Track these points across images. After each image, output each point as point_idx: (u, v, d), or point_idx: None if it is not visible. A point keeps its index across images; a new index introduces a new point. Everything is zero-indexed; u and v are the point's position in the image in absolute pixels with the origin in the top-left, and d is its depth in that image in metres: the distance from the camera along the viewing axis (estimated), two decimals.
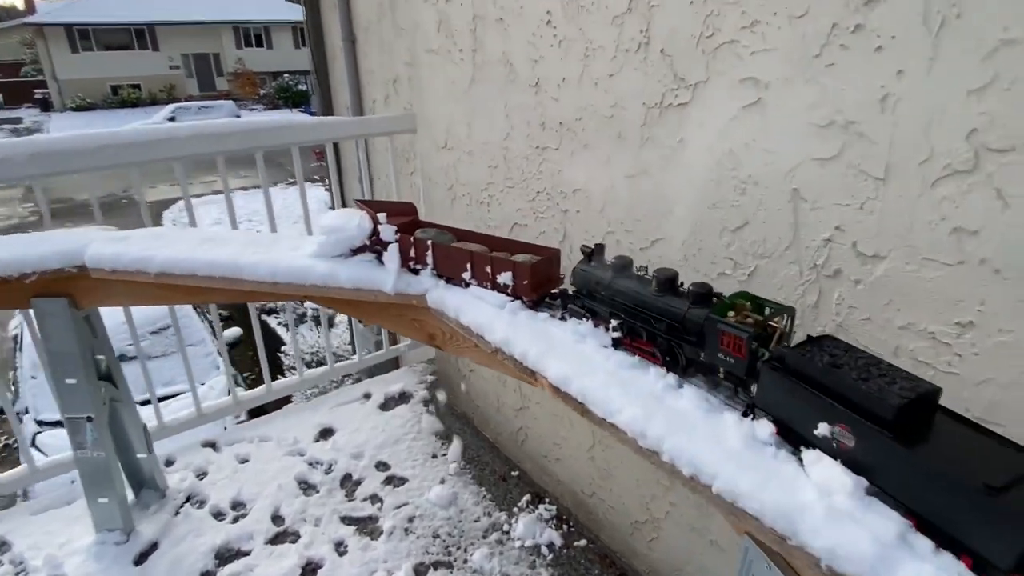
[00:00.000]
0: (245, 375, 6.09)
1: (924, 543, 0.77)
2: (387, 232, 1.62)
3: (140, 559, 2.12)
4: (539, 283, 1.43)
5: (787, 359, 0.94)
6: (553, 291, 1.48)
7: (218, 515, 2.35)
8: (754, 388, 1.03)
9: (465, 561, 2.17)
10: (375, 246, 1.67)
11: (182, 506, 2.38)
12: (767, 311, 1.06)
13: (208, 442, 2.74)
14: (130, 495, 2.34)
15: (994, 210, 1.03)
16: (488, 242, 1.60)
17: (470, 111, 2.28)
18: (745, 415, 1.02)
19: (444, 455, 2.68)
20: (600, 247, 1.32)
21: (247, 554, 2.19)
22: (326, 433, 2.80)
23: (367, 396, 3.04)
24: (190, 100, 25.86)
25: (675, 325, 1.12)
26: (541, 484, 2.56)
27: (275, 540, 2.25)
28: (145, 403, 2.43)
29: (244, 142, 2.40)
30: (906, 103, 1.10)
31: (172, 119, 17.96)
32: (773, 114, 1.31)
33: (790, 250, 1.34)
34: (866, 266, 1.22)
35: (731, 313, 1.04)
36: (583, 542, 2.27)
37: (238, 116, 19.09)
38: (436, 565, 2.15)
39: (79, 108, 26.51)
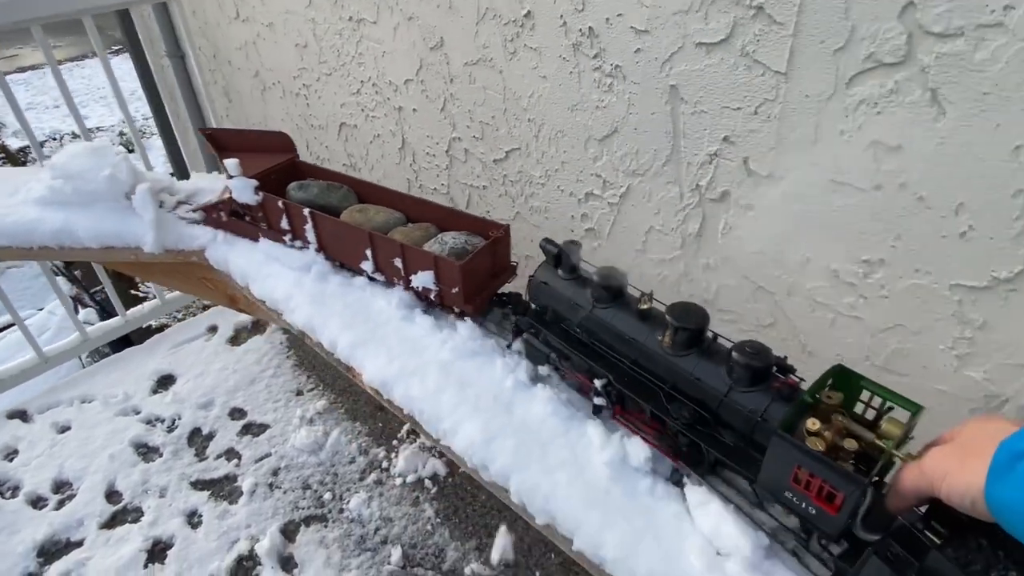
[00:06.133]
0: (95, 290, 5.19)
1: None
2: (242, 190, 1.11)
3: None
4: (478, 286, 1.00)
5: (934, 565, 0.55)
6: (502, 292, 1.05)
7: (37, 502, 1.98)
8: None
9: (341, 511, 1.97)
10: (223, 209, 1.18)
11: None
12: (870, 407, 0.67)
13: (15, 411, 2.28)
14: None
15: (924, 119, 0.76)
16: (401, 204, 1.13)
17: None
18: None
19: (311, 390, 2.38)
20: (573, 246, 0.90)
21: (79, 544, 1.86)
22: (164, 382, 2.40)
23: (212, 330, 2.61)
24: None
25: (703, 414, 0.74)
26: None
27: (112, 522, 1.93)
28: None
29: None
30: None
31: None
32: None
33: (668, 166, 1.04)
34: (759, 188, 0.95)
35: (813, 421, 0.62)
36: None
37: None
38: (308, 520, 1.94)
39: None
